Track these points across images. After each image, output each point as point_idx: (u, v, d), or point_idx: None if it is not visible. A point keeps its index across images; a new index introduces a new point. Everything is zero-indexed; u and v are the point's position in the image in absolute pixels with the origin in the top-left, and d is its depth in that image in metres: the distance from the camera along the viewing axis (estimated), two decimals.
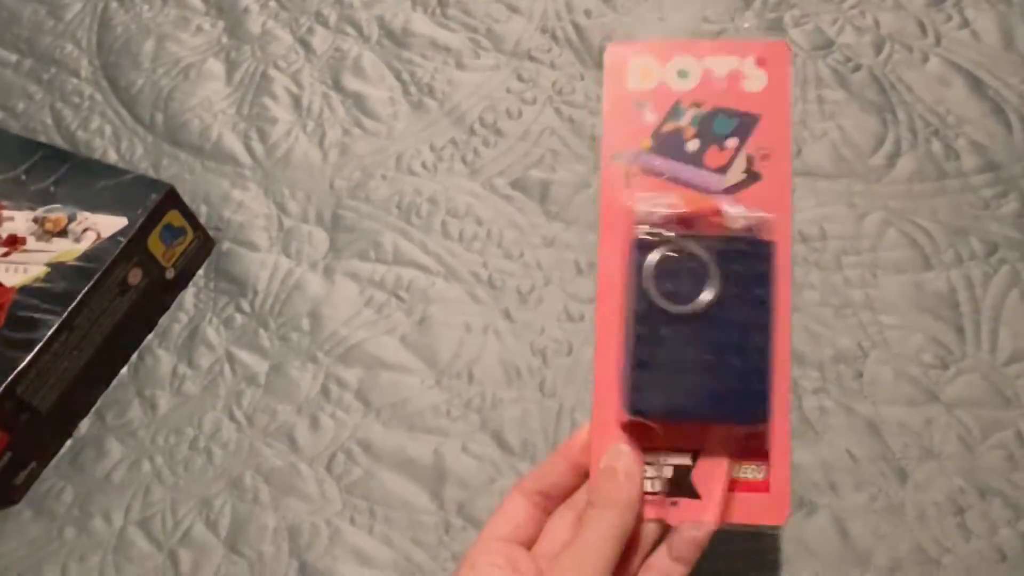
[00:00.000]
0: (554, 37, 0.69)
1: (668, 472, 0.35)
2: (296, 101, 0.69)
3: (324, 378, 0.56)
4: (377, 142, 0.66)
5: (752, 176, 0.35)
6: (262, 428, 0.55)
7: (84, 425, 0.57)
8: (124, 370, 0.59)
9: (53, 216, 0.58)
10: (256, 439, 0.54)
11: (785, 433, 0.35)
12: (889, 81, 0.63)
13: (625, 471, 0.34)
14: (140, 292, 0.58)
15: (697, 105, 0.36)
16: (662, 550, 0.35)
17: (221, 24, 0.75)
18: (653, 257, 0.34)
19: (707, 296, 0.33)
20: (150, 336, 0.60)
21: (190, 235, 0.61)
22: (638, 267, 0.34)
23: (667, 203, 0.35)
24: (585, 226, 0.59)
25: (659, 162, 0.36)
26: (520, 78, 0.67)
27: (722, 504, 0.34)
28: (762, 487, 0.35)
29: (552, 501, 0.37)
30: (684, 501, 0.35)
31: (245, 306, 0.60)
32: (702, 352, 0.33)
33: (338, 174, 0.65)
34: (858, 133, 0.61)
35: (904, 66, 0.63)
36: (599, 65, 0.67)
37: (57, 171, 0.60)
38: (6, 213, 0.59)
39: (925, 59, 0.63)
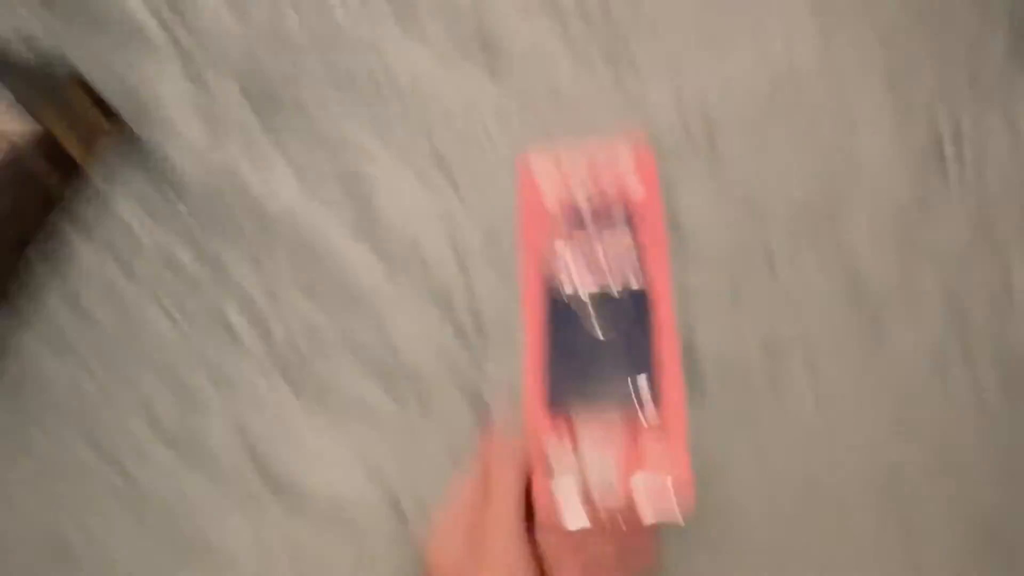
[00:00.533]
0: None
1: (595, 477, 0.39)
2: None
3: (267, 272, 0.52)
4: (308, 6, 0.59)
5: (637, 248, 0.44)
6: (205, 328, 0.51)
7: (10, 335, 0.53)
8: (50, 273, 0.55)
9: None
10: (200, 340, 0.51)
11: (680, 419, 0.40)
12: None
13: (505, 455, 0.39)
14: (54, 185, 0.53)
15: (588, 193, 0.45)
16: None
17: None
18: (566, 301, 0.43)
19: (600, 325, 0.42)
20: (76, 237, 0.55)
21: (103, 124, 0.55)
22: (554, 309, 0.43)
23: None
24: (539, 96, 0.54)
25: (567, 242, 0.44)
26: None
27: (646, 505, 0.38)
28: (672, 489, 0.39)
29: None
30: (611, 505, 0.39)
31: (175, 199, 0.55)
32: (599, 361, 0.41)
33: (267, 48, 0.59)
34: None
35: None
36: None
37: None
38: None
39: None
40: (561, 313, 0.43)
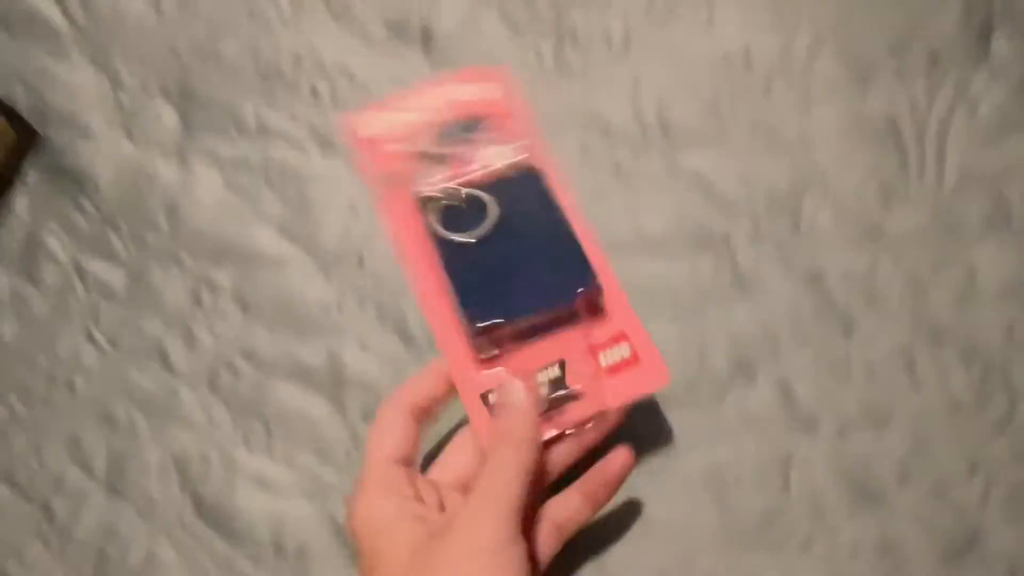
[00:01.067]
0: None
1: (544, 389, 0.36)
2: None
3: (193, 283, 0.48)
4: None
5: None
6: (128, 349, 0.47)
7: None
8: None
9: None
10: (123, 362, 0.47)
11: (627, 307, 0.37)
12: None
13: (520, 406, 0.34)
14: None
15: (439, 125, 0.41)
16: (573, 490, 0.37)
17: None
18: (435, 206, 0.39)
19: (492, 218, 0.38)
20: None
21: (3, 125, 0.50)
22: (427, 218, 0.39)
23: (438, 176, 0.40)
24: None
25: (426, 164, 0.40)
26: None
27: (604, 388, 0.36)
28: (632, 362, 0.36)
29: (425, 413, 0.37)
30: (569, 406, 0.36)
31: (88, 206, 0.51)
32: (509, 260, 0.37)
33: (180, 35, 0.54)
34: None
35: None
36: None
37: None
38: None
39: None
40: (451, 224, 0.38)
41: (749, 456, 0.42)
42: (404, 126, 0.41)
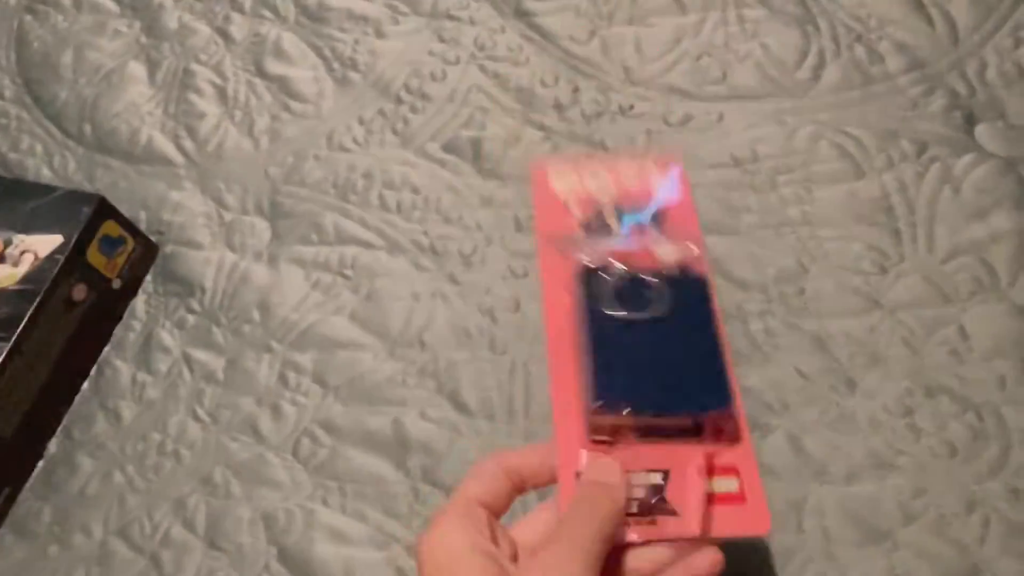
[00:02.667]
0: None
1: (641, 492, 0.34)
2: (221, 93, 0.69)
3: (280, 366, 0.56)
4: (306, 123, 0.66)
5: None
6: (226, 423, 0.55)
7: (53, 444, 0.57)
8: (85, 385, 0.59)
9: None
10: (221, 435, 0.55)
11: (749, 444, 0.35)
12: None
13: (608, 481, 0.33)
14: (88, 306, 0.58)
15: (616, 205, 0.41)
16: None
17: (138, 24, 0.74)
18: (598, 279, 0.38)
19: (658, 306, 0.37)
20: (106, 348, 0.60)
21: (130, 243, 0.61)
22: (588, 289, 0.37)
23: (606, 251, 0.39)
24: (520, 180, 0.59)
25: (592, 240, 0.40)
26: (441, 39, 0.67)
27: (702, 515, 0.34)
28: (738, 499, 0.34)
29: (525, 481, 0.36)
30: (660, 518, 0.34)
31: (195, 305, 0.60)
32: (657, 353, 0.36)
33: (271, 161, 0.65)
34: (781, 49, 0.60)
35: None
36: (518, 14, 0.66)
37: None
38: None
39: None
40: (611, 299, 0.37)
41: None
42: (587, 192, 0.41)
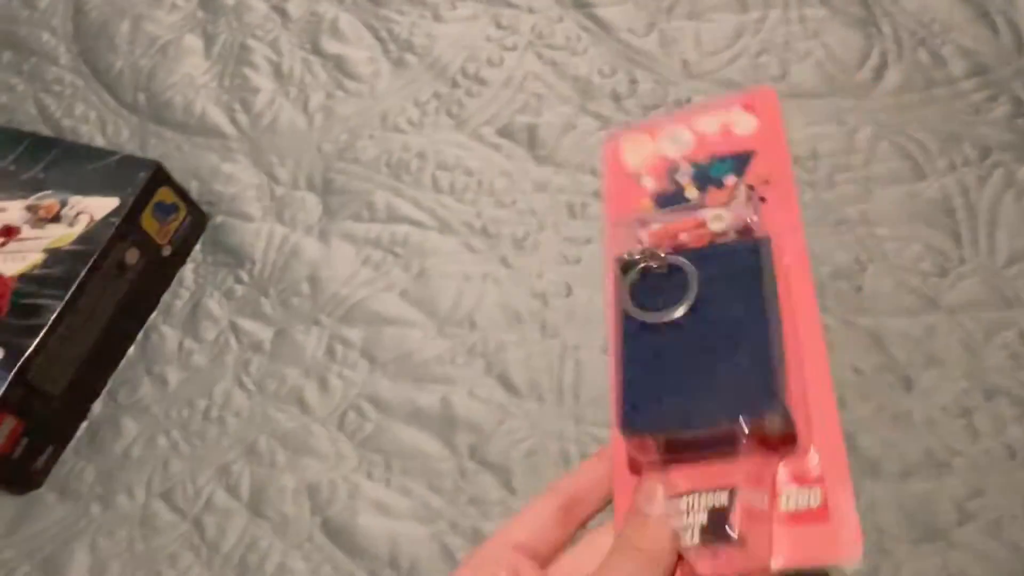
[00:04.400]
0: None
1: (703, 517, 0.29)
2: (277, 69, 0.69)
3: (328, 339, 0.56)
4: (361, 102, 0.66)
5: (755, 202, 0.33)
6: (272, 393, 0.55)
7: (97, 406, 0.58)
8: (131, 349, 0.59)
9: (45, 203, 0.58)
10: (267, 404, 0.55)
11: (839, 448, 0.29)
12: None
13: (657, 518, 0.28)
14: (139, 271, 0.59)
15: (693, 162, 0.35)
16: None
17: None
18: (633, 274, 0.32)
19: (685, 303, 0.31)
20: (154, 314, 0.60)
21: (183, 211, 0.61)
22: (619, 286, 0.32)
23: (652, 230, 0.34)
24: (575, 167, 0.59)
25: (662, 215, 0.34)
26: (499, 25, 0.67)
27: (769, 542, 0.28)
28: (819, 516, 0.28)
29: (583, 508, 0.32)
30: (724, 549, 0.28)
31: (244, 276, 0.60)
32: (692, 356, 0.30)
33: (325, 138, 0.65)
34: (843, 49, 0.60)
35: None
36: (577, 5, 0.66)
37: (45, 159, 0.60)
38: None
39: None
40: (642, 297, 0.31)
41: None
42: (663, 157, 0.35)
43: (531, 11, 0.67)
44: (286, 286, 0.59)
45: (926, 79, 0.58)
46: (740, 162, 0.34)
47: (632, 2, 0.66)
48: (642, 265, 0.32)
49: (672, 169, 0.35)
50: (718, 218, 0.32)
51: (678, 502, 0.29)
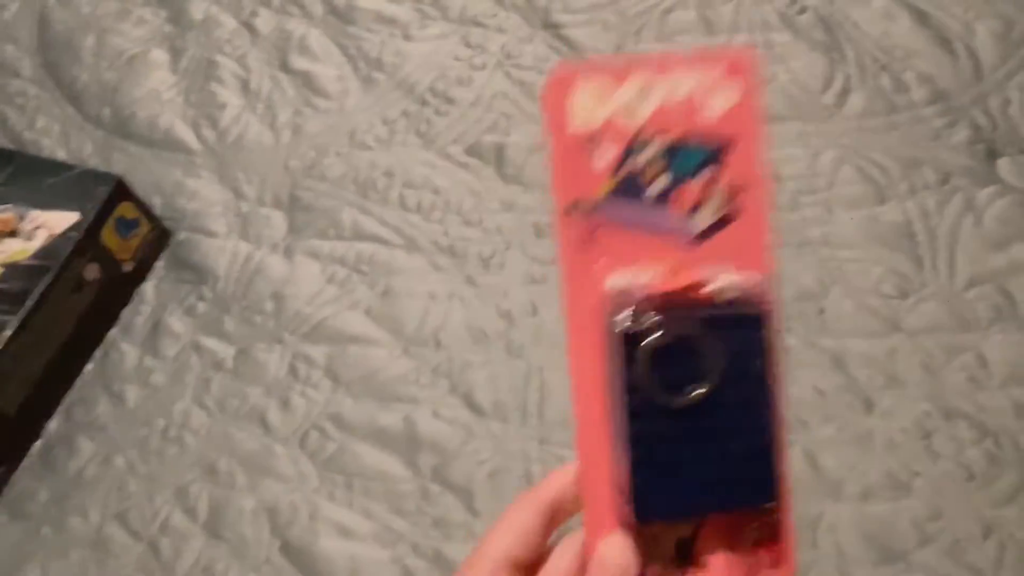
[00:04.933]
0: (500, 1, 0.68)
1: (669, 547, 0.31)
2: (244, 85, 0.68)
3: (291, 358, 0.56)
4: (329, 119, 0.66)
5: (726, 217, 0.30)
6: (233, 412, 0.55)
7: (52, 424, 0.56)
8: (89, 366, 0.58)
9: (2, 216, 0.57)
10: (228, 424, 0.54)
11: (788, 501, 0.30)
12: (835, 20, 0.63)
13: (618, 568, 0.30)
14: (98, 287, 0.58)
15: (659, 135, 0.30)
16: None
17: (163, 13, 0.74)
18: (642, 350, 0.29)
19: (706, 383, 0.29)
20: (113, 330, 0.59)
21: (145, 226, 0.60)
22: (624, 361, 0.29)
23: (644, 282, 0.30)
24: (542, 187, 0.59)
25: (621, 211, 0.30)
26: (468, 44, 0.67)
27: (728, 572, 0.30)
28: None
29: (561, 516, 0.33)
30: (689, 574, 0.30)
31: (207, 293, 0.59)
32: (703, 443, 0.29)
33: (292, 154, 0.64)
34: (807, 74, 0.61)
35: (849, 4, 0.63)
36: (546, 25, 0.67)
37: (3, 171, 0.59)
38: None
39: None
40: (653, 373, 0.29)
41: None
42: (624, 121, 0.29)
43: (500, 31, 0.67)
44: (249, 303, 0.58)
45: (888, 104, 0.59)
46: (714, 156, 0.30)
47: (601, 23, 0.66)
48: (647, 335, 0.29)
49: (636, 144, 0.30)
50: (726, 283, 0.29)
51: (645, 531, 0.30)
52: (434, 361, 0.54)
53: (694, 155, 0.30)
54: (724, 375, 0.28)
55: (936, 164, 0.56)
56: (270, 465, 0.52)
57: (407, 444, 0.51)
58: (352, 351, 0.55)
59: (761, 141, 0.30)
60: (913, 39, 0.61)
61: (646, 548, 0.30)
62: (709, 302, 0.29)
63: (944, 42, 0.61)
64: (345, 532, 0.49)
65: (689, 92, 0.30)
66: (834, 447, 0.47)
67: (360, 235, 0.60)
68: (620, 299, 0.29)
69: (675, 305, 0.29)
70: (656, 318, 0.29)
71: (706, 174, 0.30)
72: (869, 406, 0.48)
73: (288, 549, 0.49)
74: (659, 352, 0.29)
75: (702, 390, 0.29)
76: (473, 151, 0.62)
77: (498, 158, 0.61)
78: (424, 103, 0.65)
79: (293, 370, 0.55)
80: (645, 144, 0.30)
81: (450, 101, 0.64)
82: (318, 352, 0.56)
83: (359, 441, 0.52)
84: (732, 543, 0.30)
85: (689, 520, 0.30)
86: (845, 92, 0.60)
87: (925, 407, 0.48)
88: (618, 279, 0.30)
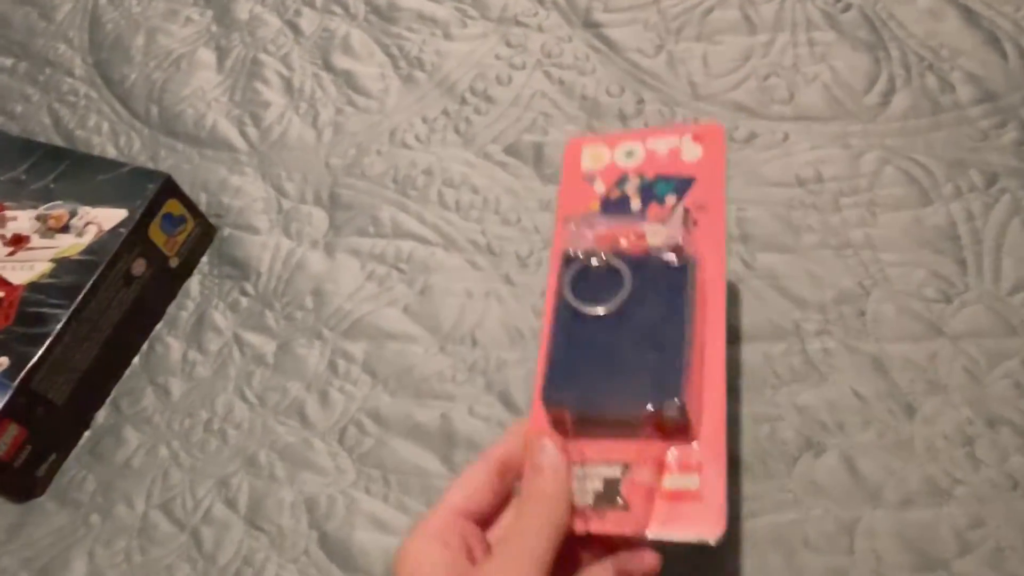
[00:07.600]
0: (540, 1, 0.69)
1: (598, 484, 0.34)
2: (288, 84, 0.70)
3: (331, 353, 0.57)
4: (370, 118, 0.66)
5: (689, 225, 0.39)
6: (273, 406, 0.56)
7: (100, 415, 0.58)
8: (136, 359, 0.60)
9: (55, 213, 0.59)
10: (268, 417, 0.55)
11: (720, 443, 0.35)
12: (880, 18, 0.62)
13: (551, 465, 0.34)
14: (145, 282, 0.59)
15: (641, 175, 0.41)
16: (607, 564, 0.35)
17: (209, 13, 0.76)
18: (574, 266, 0.38)
19: (619, 298, 0.36)
20: (159, 325, 0.61)
21: (191, 223, 0.61)
22: (560, 275, 0.38)
23: (601, 232, 0.39)
24: None
25: (605, 219, 0.40)
26: (508, 44, 0.67)
27: (650, 512, 0.34)
28: (694, 497, 0.34)
29: (513, 471, 0.36)
30: (612, 512, 0.34)
31: (250, 289, 0.61)
32: (612, 347, 0.35)
33: (333, 153, 0.65)
34: (851, 73, 0.60)
35: (895, 2, 0.62)
36: (586, 25, 0.67)
37: (56, 169, 0.61)
38: (9, 213, 0.60)
39: None
40: (579, 289, 0.37)
41: (815, 520, 0.45)
42: (615, 167, 0.41)
43: (540, 30, 0.67)
44: (290, 299, 0.59)
45: (933, 104, 0.58)
46: (682, 185, 0.40)
47: (641, 23, 0.66)
48: (584, 261, 0.38)
49: (622, 179, 0.41)
50: (656, 233, 0.38)
51: (577, 468, 0.35)
52: (470, 359, 0.54)
53: (665, 186, 0.40)
54: (632, 299, 0.36)
55: (982, 166, 0.55)
56: (309, 458, 0.53)
57: (443, 440, 0.52)
58: (390, 348, 0.56)
59: (721, 179, 0.40)
60: (960, 38, 0.60)
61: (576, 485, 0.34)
62: (640, 249, 0.38)
63: (993, 40, 0.60)
64: (381, 526, 0.50)
65: (665, 150, 0.41)
66: (873, 452, 0.47)
67: (399, 233, 0.60)
68: (578, 239, 0.39)
69: (611, 245, 0.38)
70: (593, 249, 0.38)
71: (673, 198, 0.40)
72: (910, 411, 0.48)
73: (325, 541, 0.50)
74: (586, 272, 0.38)
75: (615, 303, 0.36)
76: (512, 150, 0.62)
77: (536, 157, 0.61)
78: (464, 102, 0.65)
79: (332, 366, 0.56)
80: (628, 180, 0.41)
81: (490, 100, 0.65)
82: (357, 348, 0.56)
83: (396, 437, 0.53)
84: (653, 490, 0.34)
85: (592, 415, 0.35)
86: (889, 92, 0.59)
87: (967, 413, 0.47)
88: (586, 231, 0.39)
